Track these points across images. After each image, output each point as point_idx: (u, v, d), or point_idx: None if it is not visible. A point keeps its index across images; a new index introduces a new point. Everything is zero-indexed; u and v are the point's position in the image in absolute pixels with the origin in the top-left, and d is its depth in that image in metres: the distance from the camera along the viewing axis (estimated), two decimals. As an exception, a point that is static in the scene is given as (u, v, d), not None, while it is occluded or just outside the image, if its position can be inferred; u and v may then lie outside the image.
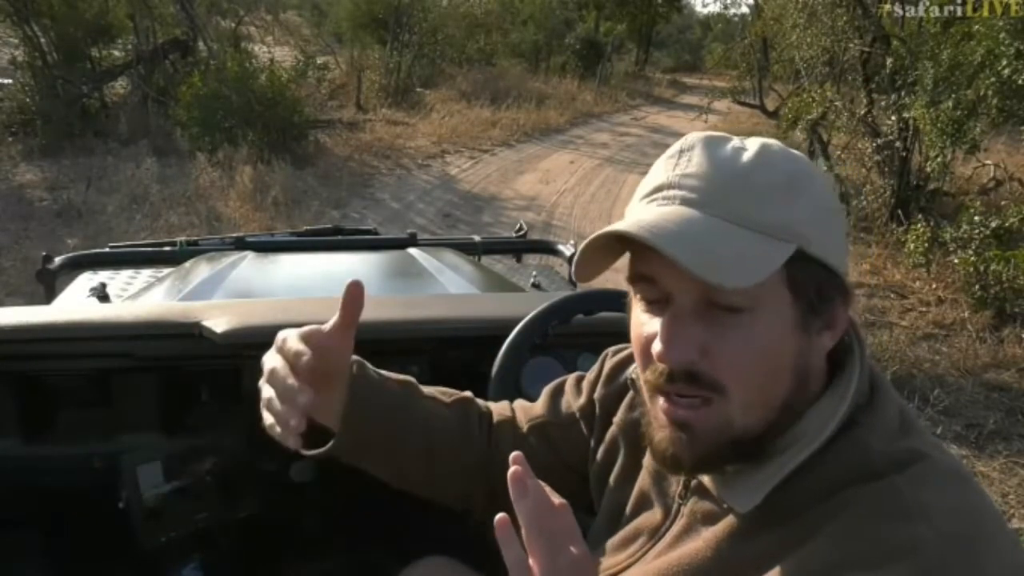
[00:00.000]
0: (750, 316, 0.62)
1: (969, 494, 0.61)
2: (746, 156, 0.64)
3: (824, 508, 0.61)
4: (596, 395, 0.92)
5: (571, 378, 0.99)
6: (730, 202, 0.62)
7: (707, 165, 0.64)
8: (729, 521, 0.67)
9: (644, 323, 0.67)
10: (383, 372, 0.91)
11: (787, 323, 0.63)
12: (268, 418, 0.77)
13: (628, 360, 0.90)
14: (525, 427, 0.96)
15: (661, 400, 0.66)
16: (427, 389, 0.96)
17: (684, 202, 0.63)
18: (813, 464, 0.63)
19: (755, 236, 0.61)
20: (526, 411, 0.99)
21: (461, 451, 0.94)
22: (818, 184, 0.66)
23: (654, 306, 0.66)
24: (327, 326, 0.80)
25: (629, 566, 0.76)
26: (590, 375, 0.95)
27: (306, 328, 0.79)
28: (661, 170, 0.67)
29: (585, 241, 0.66)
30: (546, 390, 1.00)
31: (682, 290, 0.63)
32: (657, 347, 0.63)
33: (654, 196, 0.66)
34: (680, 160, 0.65)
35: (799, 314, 0.63)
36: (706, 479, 0.70)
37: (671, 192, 0.64)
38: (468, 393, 1.00)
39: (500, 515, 0.61)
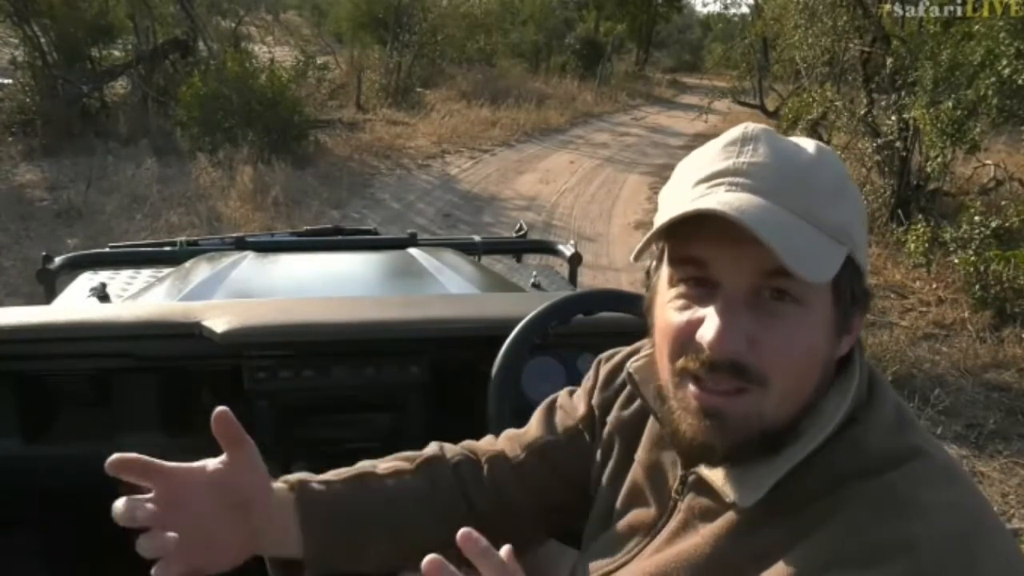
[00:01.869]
0: (801, 311, 0.62)
1: (965, 491, 0.61)
2: (807, 153, 0.65)
3: (823, 504, 0.61)
4: (594, 402, 0.90)
5: (562, 394, 0.97)
6: (796, 196, 0.62)
7: (774, 156, 0.63)
8: (728, 517, 0.67)
9: (680, 308, 0.65)
10: (328, 478, 0.85)
11: (828, 324, 0.64)
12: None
13: (622, 364, 0.89)
14: (522, 454, 0.93)
15: (691, 387, 0.64)
16: (386, 464, 0.90)
17: (752, 190, 0.62)
18: (812, 460, 0.64)
19: (820, 233, 0.62)
20: (518, 438, 0.95)
21: (437, 513, 0.88)
22: (856, 189, 0.68)
23: (699, 291, 0.64)
24: (214, 465, 0.74)
25: (626, 563, 0.76)
26: (585, 384, 0.94)
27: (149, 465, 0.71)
28: (719, 156, 0.65)
29: (666, 219, 0.63)
30: (538, 412, 0.97)
31: (736, 277, 0.62)
32: (708, 336, 0.61)
33: (718, 181, 0.63)
34: (744, 148, 0.64)
35: (837, 316, 0.65)
36: (707, 474, 0.69)
37: (738, 179, 0.63)
38: (432, 449, 0.94)
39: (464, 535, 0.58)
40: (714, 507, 0.68)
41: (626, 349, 0.89)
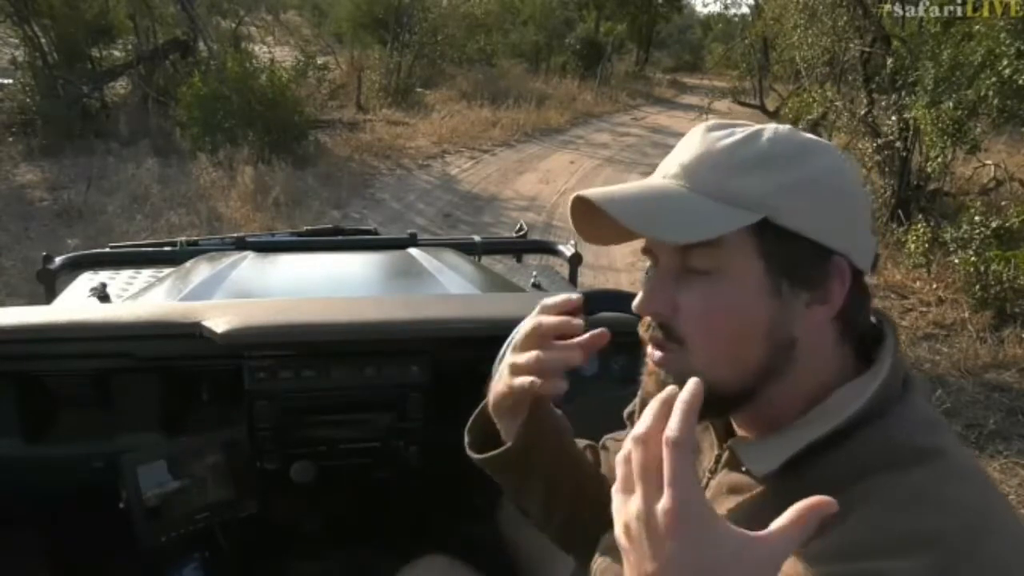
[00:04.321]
0: (715, 278, 0.67)
1: (989, 492, 0.62)
2: (733, 137, 0.68)
3: (847, 494, 0.61)
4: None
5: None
6: (701, 175, 0.68)
7: (696, 146, 0.69)
8: (752, 494, 0.69)
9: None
10: None
11: (757, 289, 0.67)
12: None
13: None
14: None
15: (649, 347, 0.73)
16: None
17: (664, 176, 0.70)
18: (838, 445, 0.65)
19: (715, 204, 0.66)
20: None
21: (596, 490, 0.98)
22: (816, 163, 0.67)
23: (651, 268, 0.74)
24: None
25: None
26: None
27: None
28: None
29: (569, 199, 0.72)
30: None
31: (664, 255, 0.70)
32: (636, 300, 0.72)
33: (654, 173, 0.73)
34: (682, 142, 0.72)
35: (772, 282, 0.67)
36: (731, 444, 0.73)
37: (662, 170, 0.72)
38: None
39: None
40: (742, 483, 0.71)
41: None
